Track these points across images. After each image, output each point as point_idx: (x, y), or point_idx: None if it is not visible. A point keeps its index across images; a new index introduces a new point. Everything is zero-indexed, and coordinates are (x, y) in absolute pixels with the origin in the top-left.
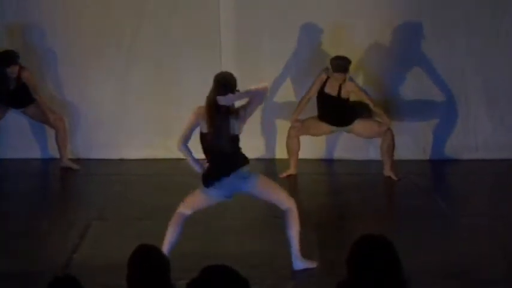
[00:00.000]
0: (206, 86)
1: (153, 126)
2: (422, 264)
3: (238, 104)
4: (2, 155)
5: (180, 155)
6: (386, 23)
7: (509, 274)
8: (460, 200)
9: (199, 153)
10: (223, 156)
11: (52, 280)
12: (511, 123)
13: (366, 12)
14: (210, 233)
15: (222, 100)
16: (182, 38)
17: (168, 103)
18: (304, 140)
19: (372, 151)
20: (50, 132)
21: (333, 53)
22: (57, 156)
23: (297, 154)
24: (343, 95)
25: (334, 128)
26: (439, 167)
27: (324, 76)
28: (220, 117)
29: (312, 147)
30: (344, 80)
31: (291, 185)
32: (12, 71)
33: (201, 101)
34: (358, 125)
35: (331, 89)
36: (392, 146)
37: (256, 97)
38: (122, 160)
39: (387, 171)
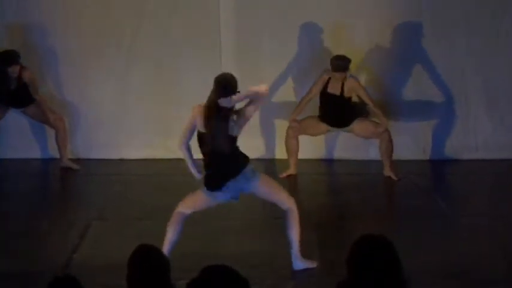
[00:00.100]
0: (206, 86)
1: (153, 126)
2: (422, 264)
3: (238, 105)
4: (2, 155)
5: (180, 155)
6: (386, 23)
7: (509, 274)
8: (460, 200)
9: (198, 153)
10: (223, 158)
11: (52, 280)
12: (511, 123)
13: (366, 12)
14: (210, 233)
15: (224, 102)
16: (182, 38)
17: (168, 103)
18: (304, 140)
19: (371, 151)
20: (50, 132)
21: (333, 53)
22: (57, 156)
23: (296, 154)
24: (346, 93)
25: (332, 128)
26: (439, 167)
27: (325, 77)
28: (220, 118)
29: (311, 147)
30: (345, 78)
31: (291, 185)
32: (14, 70)
33: (201, 101)
34: (357, 125)
35: (333, 89)
36: (390, 147)
37: (257, 99)
38: (122, 160)
39: (387, 171)
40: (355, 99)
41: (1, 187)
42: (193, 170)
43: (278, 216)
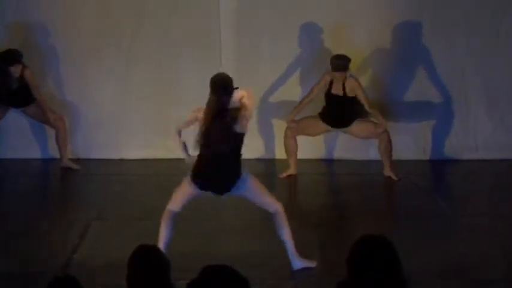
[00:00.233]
0: (206, 86)
1: (153, 126)
2: (422, 264)
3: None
4: (2, 155)
5: (180, 155)
6: (386, 23)
7: (509, 274)
8: (460, 200)
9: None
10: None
11: (52, 280)
12: (511, 123)
13: (366, 12)
14: (210, 233)
15: (225, 101)
16: (182, 38)
17: (168, 103)
18: (304, 140)
19: (371, 151)
20: (50, 132)
21: (333, 53)
22: (57, 156)
23: (296, 154)
24: (349, 93)
25: (331, 128)
26: (439, 167)
27: (327, 78)
28: (224, 118)
29: (311, 147)
30: (345, 78)
31: (291, 185)
32: (16, 70)
33: (201, 101)
34: (356, 126)
35: (337, 90)
36: (389, 147)
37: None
38: (122, 160)
39: (387, 171)
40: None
41: (1, 187)
42: (183, 152)
43: None
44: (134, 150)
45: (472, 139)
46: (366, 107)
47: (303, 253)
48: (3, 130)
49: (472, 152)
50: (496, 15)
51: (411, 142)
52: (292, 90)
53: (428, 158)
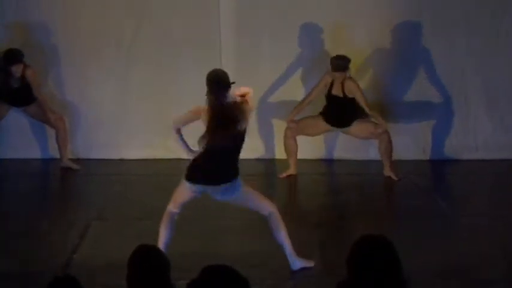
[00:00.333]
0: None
1: (153, 126)
2: (422, 264)
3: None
4: (2, 154)
5: (180, 154)
6: (386, 23)
7: (509, 274)
8: (460, 200)
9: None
10: (219, 157)
11: (52, 280)
12: (511, 123)
13: (366, 12)
14: (210, 233)
15: (224, 97)
16: (182, 38)
17: (168, 103)
18: (304, 140)
19: (372, 151)
20: (50, 132)
21: (333, 53)
22: (58, 156)
23: (296, 154)
24: (348, 94)
25: (331, 127)
26: (439, 167)
27: (328, 79)
28: (225, 114)
29: (311, 147)
30: (344, 79)
31: (291, 185)
32: (17, 69)
33: (201, 101)
34: (356, 126)
35: (336, 90)
36: (390, 147)
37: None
38: (122, 160)
39: (387, 172)
40: None
41: (1, 187)
42: (186, 150)
43: None
44: (134, 150)
45: (472, 139)
46: (366, 109)
47: (302, 253)
48: (3, 130)
49: (472, 152)
50: (496, 15)
51: (411, 142)
52: (292, 90)
53: (428, 158)
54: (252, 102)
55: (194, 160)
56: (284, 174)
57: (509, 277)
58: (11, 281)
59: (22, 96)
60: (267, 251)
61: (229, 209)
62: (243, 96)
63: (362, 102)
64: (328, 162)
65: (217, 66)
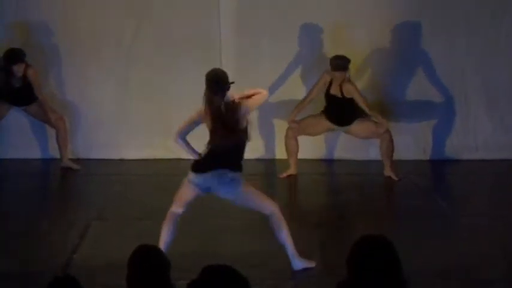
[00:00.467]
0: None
1: (153, 126)
2: (422, 264)
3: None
4: (2, 154)
5: (180, 154)
6: (386, 23)
7: (509, 274)
8: (460, 200)
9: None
10: (222, 154)
11: (52, 280)
12: (511, 123)
13: (366, 12)
14: (210, 233)
15: (222, 97)
16: (182, 38)
17: (168, 103)
18: (304, 140)
19: (372, 151)
20: (51, 132)
21: (333, 53)
22: (58, 156)
23: (296, 154)
24: (346, 95)
25: (332, 126)
26: (439, 167)
27: (327, 78)
28: (226, 112)
29: (312, 147)
30: (344, 79)
31: (291, 185)
32: (19, 69)
33: (201, 101)
34: (356, 125)
35: (335, 90)
36: (391, 147)
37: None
38: (122, 160)
39: (387, 172)
40: None
41: (1, 187)
42: (193, 154)
43: None
44: (134, 150)
45: (472, 139)
46: (366, 109)
47: (303, 253)
48: (3, 129)
49: (472, 152)
50: (496, 15)
51: (411, 142)
52: (292, 90)
53: (428, 158)
54: (253, 102)
55: (203, 156)
56: (284, 174)
57: (509, 277)
58: (11, 281)
59: (23, 95)
60: (267, 251)
61: (229, 209)
62: (250, 96)
63: (361, 104)
64: (329, 162)
65: (217, 66)
